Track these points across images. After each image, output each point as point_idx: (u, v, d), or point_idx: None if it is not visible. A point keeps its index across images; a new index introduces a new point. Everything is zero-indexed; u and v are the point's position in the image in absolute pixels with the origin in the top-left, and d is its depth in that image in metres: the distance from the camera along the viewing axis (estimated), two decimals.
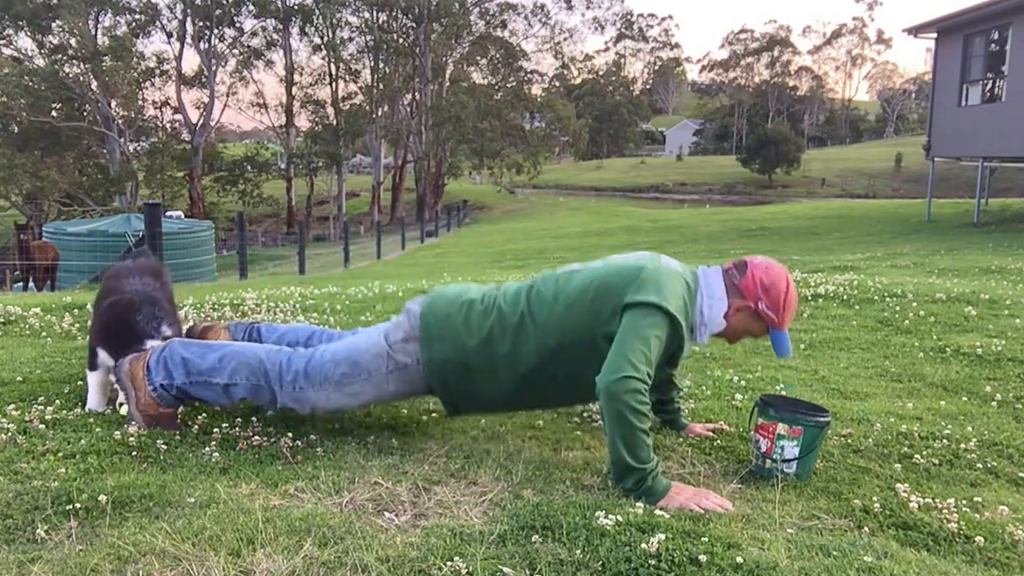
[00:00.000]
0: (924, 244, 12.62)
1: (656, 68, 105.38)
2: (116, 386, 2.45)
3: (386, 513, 1.88)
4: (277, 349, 2.42)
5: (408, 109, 47.54)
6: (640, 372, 2.03)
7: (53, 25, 39.08)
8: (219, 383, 2.35)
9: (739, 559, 1.62)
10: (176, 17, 43.38)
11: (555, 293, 2.27)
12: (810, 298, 5.20)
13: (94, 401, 2.45)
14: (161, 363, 2.37)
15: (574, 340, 2.19)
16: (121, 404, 2.49)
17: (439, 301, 2.37)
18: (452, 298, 2.37)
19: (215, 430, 2.35)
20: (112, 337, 2.47)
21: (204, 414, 2.51)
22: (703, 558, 1.61)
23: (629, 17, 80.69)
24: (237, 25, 44.83)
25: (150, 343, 2.46)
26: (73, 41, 38.89)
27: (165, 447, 2.20)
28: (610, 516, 1.77)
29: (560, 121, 48.94)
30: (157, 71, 43.10)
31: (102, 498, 1.82)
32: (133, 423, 2.37)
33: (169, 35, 44.00)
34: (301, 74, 47.94)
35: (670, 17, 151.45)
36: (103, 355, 2.47)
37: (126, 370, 2.39)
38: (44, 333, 3.76)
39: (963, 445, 2.54)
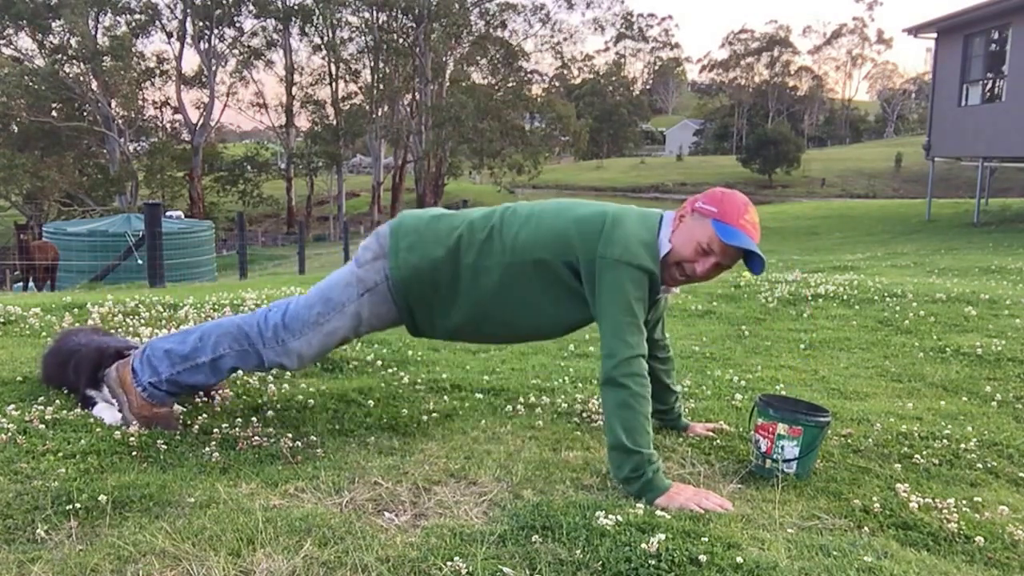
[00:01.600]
0: (924, 244, 12.62)
1: (656, 68, 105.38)
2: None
3: (386, 513, 1.88)
4: (251, 313, 2.44)
5: (408, 109, 47.53)
6: (635, 347, 2.07)
7: (53, 25, 39.08)
8: (205, 360, 2.35)
9: (739, 559, 1.62)
10: (176, 17, 43.43)
11: (528, 214, 2.29)
12: (810, 298, 5.20)
13: (111, 418, 2.44)
14: (145, 362, 2.38)
15: (537, 259, 2.20)
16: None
17: (407, 217, 2.41)
18: (420, 214, 2.41)
19: (215, 430, 2.35)
20: (93, 377, 2.51)
21: (204, 414, 2.51)
22: (703, 558, 1.61)
23: (629, 17, 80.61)
24: (237, 25, 44.88)
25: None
26: (73, 41, 38.90)
27: (165, 447, 2.20)
28: (610, 516, 1.77)
29: (560, 121, 48.93)
30: (157, 71, 43.13)
31: (102, 498, 1.82)
32: (134, 423, 2.37)
33: (169, 35, 44.01)
34: (301, 74, 47.99)
35: (670, 17, 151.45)
36: (93, 392, 2.50)
37: (114, 377, 2.40)
38: (44, 333, 3.76)
39: (963, 445, 2.54)
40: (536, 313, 2.29)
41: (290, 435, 2.33)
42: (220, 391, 2.72)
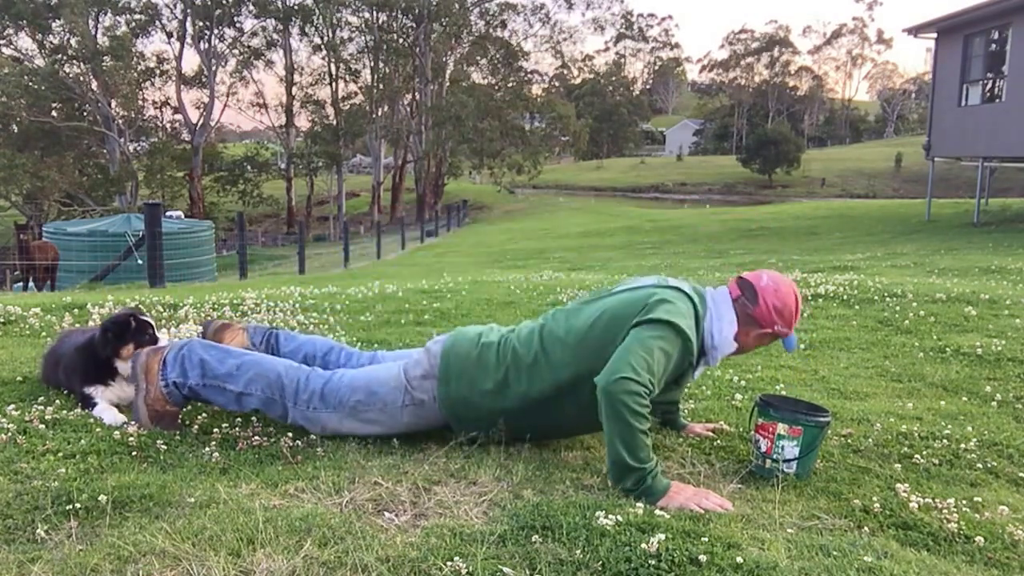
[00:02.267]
0: (924, 244, 12.62)
1: (656, 68, 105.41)
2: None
3: (386, 513, 1.88)
4: (296, 366, 2.44)
5: (408, 109, 47.55)
6: (641, 377, 2.04)
7: (53, 25, 39.08)
8: (233, 390, 2.37)
9: (739, 559, 1.62)
10: (176, 17, 43.43)
11: (566, 329, 2.30)
12: (810, 298, 5.20)
13: (111, 419, 2.44)
14: (178, 360, 2.39)
15: (587, 371, 2.19)
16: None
17: (459, 341, 2.40)
18: (471, 338, 2.40)
19: (215, 430, 2.35)
20: (91, 374, 2.52)
21: (204, 414, 2.51)
22: (703, 558, 1.61)
23: (629, 17, 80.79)
24: (237, 25, 44.87)
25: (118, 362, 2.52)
26: (73, 41, 38.90)
27: (165, 447, 2.21)
28: (610, 516, 1.77)
29: (560, 121, 48.93)
30: (157, 71, 43.12)
31: (102, 498, 1.82)
32: (134, 421, 2.37)
33: (169, 35, 44.01)
34: (301, 74, 48.00)
35: (670, 17, 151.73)
36: (93, 389, 2.51)
37: (142, 361, 2.41)
38: (44, 333, 3.76)
39: (963, 445, 2.54)
40: (595, 415, 2.20)
41: (290, 435, 2.34)
42: None
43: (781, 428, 2.22)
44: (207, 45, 43.73)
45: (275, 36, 46.28)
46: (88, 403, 2.48)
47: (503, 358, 2.32)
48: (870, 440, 2.55)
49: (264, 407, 2.39)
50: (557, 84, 70.75)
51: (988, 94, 16.68)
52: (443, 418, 2.36)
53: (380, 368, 2.46)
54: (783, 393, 2.90)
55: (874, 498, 2.08)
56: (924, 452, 2.47)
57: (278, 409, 2.38)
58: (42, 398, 2.58)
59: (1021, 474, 2.38)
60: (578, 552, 1.64)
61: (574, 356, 2.24)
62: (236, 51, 45.64)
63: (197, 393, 2.39)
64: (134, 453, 2.16)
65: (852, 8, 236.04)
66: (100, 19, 41.81)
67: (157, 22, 42.97)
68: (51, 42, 39.44)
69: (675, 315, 2.16)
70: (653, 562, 1.59)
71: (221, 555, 1.59)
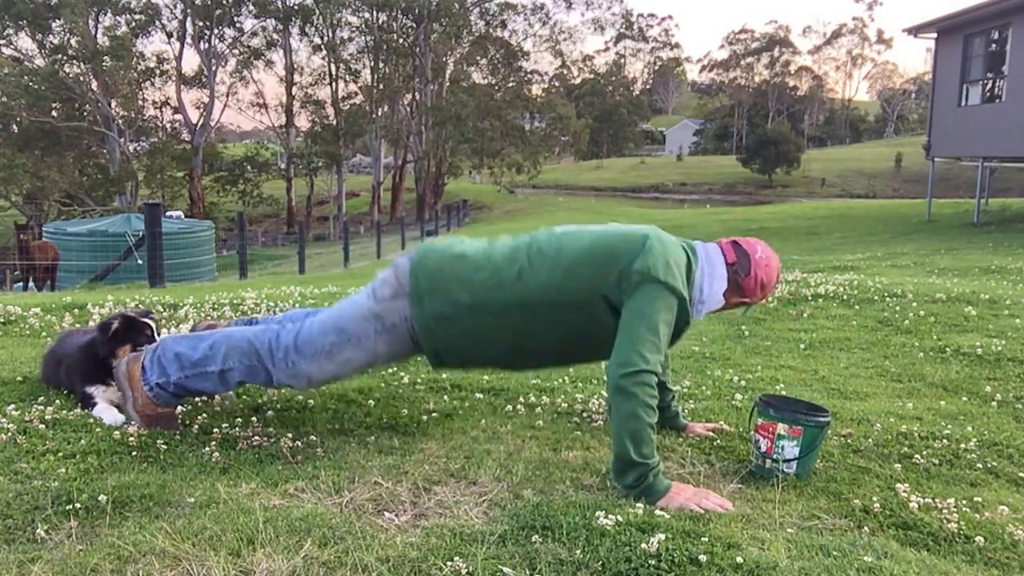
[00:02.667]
0: (924, 244, 12.62)
1: (656, 68, 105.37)
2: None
3: (386, 513, 1.88)
4: (263, 328, 2.40)
5: (408, 109, 47.54)
6: (651, 364, 2.05)
7: (53, 25, 39.07)
8: (214, 370, 2.34)
9: (739, 559, 1.62)
10: (176, 17, 43.39)
11: (557, 248, 2.24)
12: (810, 298, 5.20)
13: (111, 419, 2.44)
14: (155, 361, 2.37)
15: (575, 299, 2.17)
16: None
17: (430, 254, 2.31)
18: (442, 251, 2.32)
19: (215, 430, 2.35)
20: (91, 374, 2.52)
21: (204, 414, 2.51)
22: (703, 558, 1.61)
23: (629, 17, 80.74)
24: (237, 25, 44.83)
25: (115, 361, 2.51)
26: (73, 41, 38.88)
27: (165, 447, 2.20)
28: (610, 516, 1.77)
29: (560, 121, 48.94)
30: (157, 71, 43.08)
31: (102, 498, 1.82)
32: (133, 423, 2.37)
33: (169, 35, 43.97)
34: (301, 74, 47.97)
35: (670, 17, 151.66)
36: (93, 389, 2.51)
37: (123, 371, 2.39)
38: (44, 333, 3.76)
39: (963, 445, 2.54)
40: (569, 344, 2.22)
41: (290, 435, 2.33)
42: None
43: (781, 428, 2.22)
44: (207, 45, 43.70)
45: (275, 36, 46.25)
46: (88, 403, 2.48)
47: (480, 270, 2.24)
48: (870, 440, 2.55)
49: (248, 378, 2.35)
50: (557, 84, 70.75)
51: (988, 94, 16.68)
52: (421, 347, 2.28)
53: (345, 302, 2.38)
54: (783, 393, 2.90)
55: (874, 498, 2.08)
56: (924, 452, 2.47)
57: (261, 375, 2.33)
58: (42, 398, 2.58)
59: (1021, 474, 2.38)
60: (578, 552, 1.64)
61: (564, 277, 2.18)
62: (236, 51, 45.62)
63: (183, 387, 2.35)
64: (134, 453, 2.16)
65: (852, 8, 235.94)
66: (100, 19, 41.76)
67: (157, 22, 42.92)
68: (51, 42, 39.39)
69: (671, 274, 2.15)
70: (653, 562, 1.59)
71: (221, 555, 1.59)
